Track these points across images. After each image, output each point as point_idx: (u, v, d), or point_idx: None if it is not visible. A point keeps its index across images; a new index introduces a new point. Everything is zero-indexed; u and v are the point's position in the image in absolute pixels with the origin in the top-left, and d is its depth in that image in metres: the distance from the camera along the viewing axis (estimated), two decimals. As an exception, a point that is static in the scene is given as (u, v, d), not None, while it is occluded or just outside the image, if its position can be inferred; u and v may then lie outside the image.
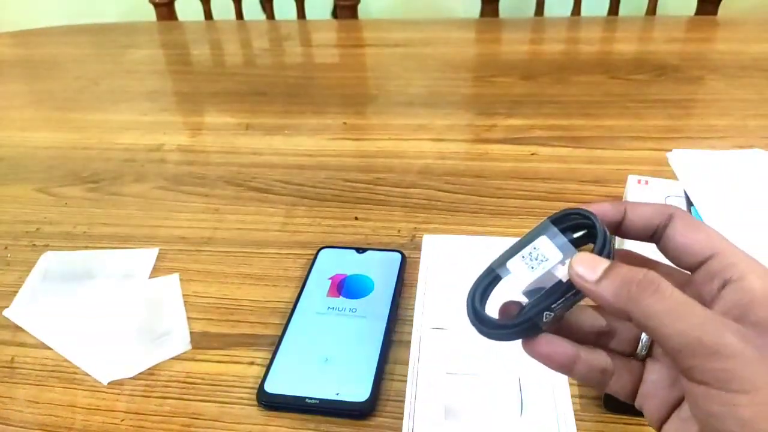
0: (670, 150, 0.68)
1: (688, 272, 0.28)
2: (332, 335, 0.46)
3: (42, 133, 0.82)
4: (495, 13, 1.23)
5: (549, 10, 1.25)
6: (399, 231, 0.58)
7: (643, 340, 0.30)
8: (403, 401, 0.40)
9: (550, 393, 0.40)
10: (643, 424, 0.40)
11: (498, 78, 0.88)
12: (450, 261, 0.50)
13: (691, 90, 0.82)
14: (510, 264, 0.28)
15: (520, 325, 0.28)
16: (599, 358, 0.29)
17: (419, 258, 0.51)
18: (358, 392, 0.42)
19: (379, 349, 0.45)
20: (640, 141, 0.70)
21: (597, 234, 0.27)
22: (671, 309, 0.24)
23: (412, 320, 0.46)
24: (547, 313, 0.28)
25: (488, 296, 0.29)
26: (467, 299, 0.30)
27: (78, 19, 1.23)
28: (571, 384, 0.43)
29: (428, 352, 0.43)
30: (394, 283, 0.51)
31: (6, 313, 0.52)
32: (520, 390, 0.40)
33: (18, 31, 1.19)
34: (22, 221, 0.63)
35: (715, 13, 1.14)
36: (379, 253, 0.54)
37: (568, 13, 1.23)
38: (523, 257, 0.28)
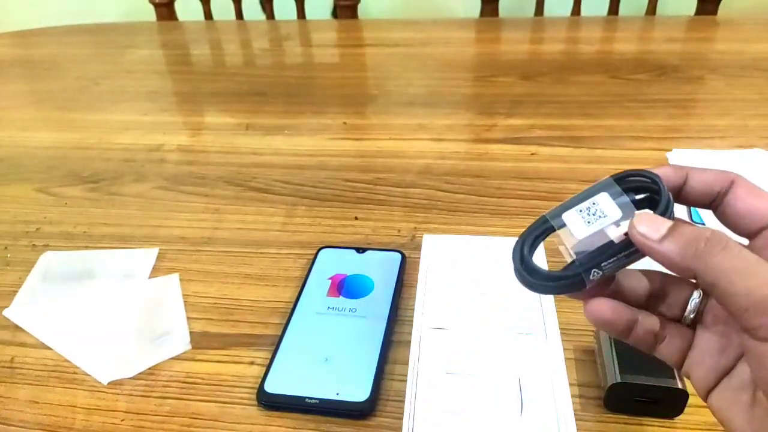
0: (671, 150, 0.68)
1: (746, 239, 0.28)
2: (332, 335, 0.46)
3: (42, 133, 0.82)
4: (495, 12, 1.23)
5: (549, 10, 1.25)
6: (399, 231, 0.58)
7: (692, 305, 0.29)
8: (403, 401, 0.40)
9: (550, 393, 0.40)
10: (644, 424, 0.40)
11: (498, 78, 0.88)
12: (450, 261, 0.50)
13: (692, 90, 0.82)
14: (566, 216, 0.27)
15: (567, 278, 0.28)
16: (652, 321, 0.29)
17: (419, 258, 0.51)
18: (358, 392, 0.42)
19: (379, 349, 0.45)
20: (641, 141, 0.70)
21: (661, 196, 0.26)
22: (740, 267, 0.24)
23: (412, 320, 0.46)
24: (596, 270, 0.27)
25: (537, 247, 0.29)
26: (515, 246, 0.28)
27: (78, 19, 1.23)
28: (571, 384, 0.43)
29: (428, 352, 0.43)
30: (394, 283, 0.51)
31: (6, 313, 0.52)
32: (520, 390, 0.40)
33: (18, 31, 1.19)
34: (22, 221, 0.63)
35: (715, 12, 1.14)
36: (379, 253, 0.54)
37: (568, 13, 1.23)
38: (580, 211, 0.27)
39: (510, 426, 0.38)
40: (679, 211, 0.28)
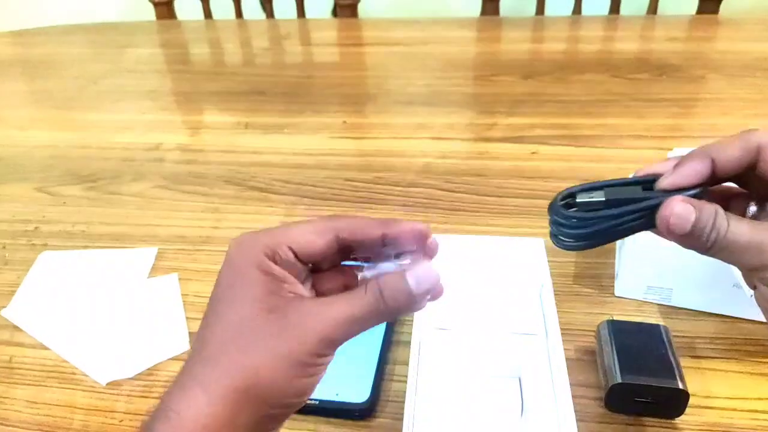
0: (672, 149, 0.68)
1: None
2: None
3: (41, 133, 0.81)
4: (496, 11, 1.22)
5: (550, 9, 1.24)
6: (399, 230, 0.58)
7: (749, 213, 0.30)
8: (403, 401, 0.40)
9: (551, 393, 0.39)
10: (644, 424, 0.40)
11: (499, 77, 0.88)
12: (452, 261, 0.50)
13: (693, 89, 0.82)
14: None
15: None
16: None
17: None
18: (358, 393, 0.42)
19: (379, 350, 0.45)
20: (642, 140, 0.70)
21: None
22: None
23: (412, 320, 0.45)
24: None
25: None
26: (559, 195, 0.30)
27: (77, 18, 1.23)
28: (571, 384, 0.42)
29: (428, 352, 0.43)
30: (394, 283, 0.50)
31: (4, 312, 0.51)
32: (521, 390, 0.40)
33: (18, 30, 1.19)
34: (21, 220, 0.63)
35: (716, 12, 1.13)
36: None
37: (569, 12, 1.23)
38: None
39: (510, 426, 0.38)
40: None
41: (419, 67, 0.93)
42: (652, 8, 1.22)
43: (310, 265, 0.29)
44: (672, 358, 0.40)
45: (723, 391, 0.41)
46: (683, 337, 0.45)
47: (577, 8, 1.23)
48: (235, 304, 0.27)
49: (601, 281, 0.50)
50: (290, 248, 0.28)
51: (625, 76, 0.85)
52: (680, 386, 0.38)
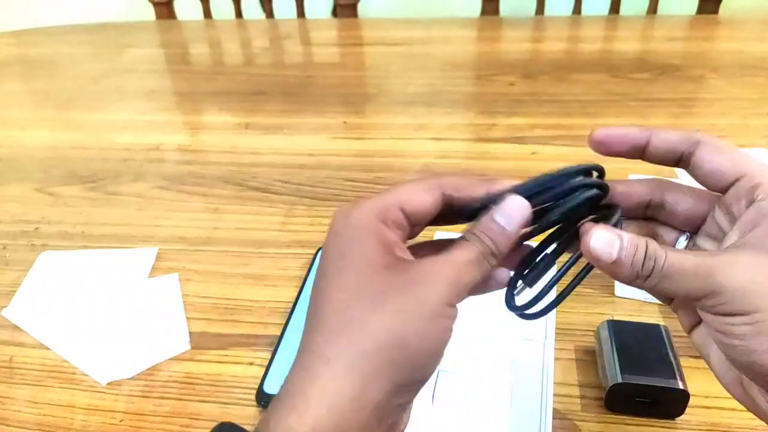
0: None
1: (719, 194, 0.28)
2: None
3: (41, 133, 0.81)
4: (495, 11, 1.22)
5: (550, 9, 1.24)
6: (399, 230, 0.58)
7: (679, 246, 0.30)
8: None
9: (538, 395, 0.39)
10: (644, 424, 0.40)
11: (499, 77, 0.88)
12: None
13: (693, 89, 0.82)
14: None
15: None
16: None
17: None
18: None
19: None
20: (641, 140, 0.70)
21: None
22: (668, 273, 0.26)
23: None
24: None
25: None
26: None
27: (77, 18, 1.23)
28: (571, 384, 0.43)
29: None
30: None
31: (4, 312, 0.51)
32: (511, 390, 0.40)
33: (17, 30, 1.19)
34: (21, 221, 0.63)
35: (716, 12, 1.13)
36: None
37: (569, 12, 1.23)
38: None
39: (497, 423, 0.38)
40: None
41: (419, 67, 0.93)
42: (652, 8, 1.22)
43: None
44: (672, 358, 0.40)
45: (723, 391, 0.41)
46: (683, 337, 0.45)
47: (577, 8, 1.23)
48: (350, 269, 0.25)
49: (602, 281, 0.50)
50: (401, 209, 0.27)
51: (625, 76, 0.85)
52: (680, 386, 0.38)
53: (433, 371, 0.26)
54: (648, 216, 0.31)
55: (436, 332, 0.25)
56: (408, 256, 0.27)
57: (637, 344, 0.41)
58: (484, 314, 0.44)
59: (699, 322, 0.29)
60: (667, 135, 0.29)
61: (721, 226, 0.28)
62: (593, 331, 0.45)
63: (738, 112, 0.75)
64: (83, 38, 1.16)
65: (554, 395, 0.40)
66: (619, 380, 0.39)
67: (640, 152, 0.30)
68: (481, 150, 0.71)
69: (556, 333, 0.45)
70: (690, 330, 0.30)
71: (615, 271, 0.27)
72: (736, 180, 0.27)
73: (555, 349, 0.43)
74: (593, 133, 0.30)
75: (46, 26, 1.19)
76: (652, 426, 0.40)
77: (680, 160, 0.29)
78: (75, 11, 1.56)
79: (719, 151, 0.28)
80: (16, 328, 0.50)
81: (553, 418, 0.38)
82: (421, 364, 0.25)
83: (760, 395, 0.26)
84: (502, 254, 0.27)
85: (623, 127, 0.29)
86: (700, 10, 1.15)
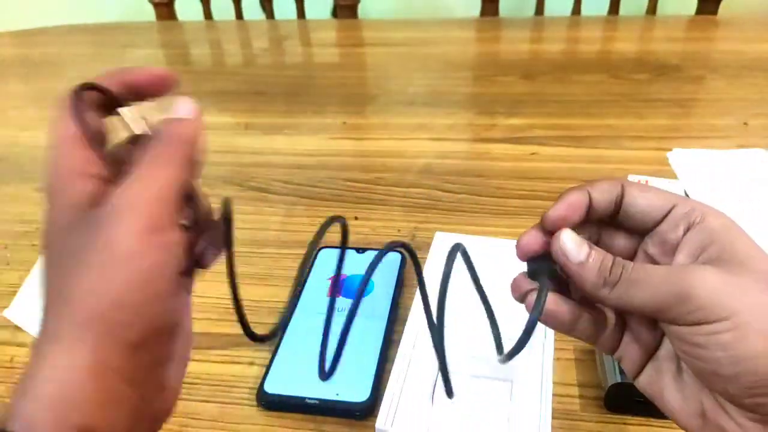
0: (671, 149, 0.68)
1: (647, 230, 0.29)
2: (332, 335, 0.46)
3: (42, 133, 0.81)
4: (495, 12, 1.22)
5: (549, 9, 1.24)
6: (399, 231, 0.58)
7: None
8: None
9: (538, 396, 0.40)
10: (644, 424, 0.40)
11: (498, 77, 0.88)
12: (457, 260, 0.50)
13: (692, 89, 0.82)
14: None
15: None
16: (596, 314, 0.29)
17: (419, 258, 0.51)
18: (358, 392, 0.42)
19: (379, 349, 0.45)
20: (641, 140, 0.70)
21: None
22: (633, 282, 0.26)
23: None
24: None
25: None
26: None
27: (78, 18, 1.23)
28: (571, 385, 0.43)
29: (421, 351, 0.43)
30: (394, 283, 0.50)
31: (5, 313, 0.51)
32: (511, 392, 0.40)
33: (18, 30, 1.19)
34: (22, 221, 0.63)
35: (715, 12, 1.14)
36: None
37: (569, 13, 1.23)
38: None
39: (497, 429, 0.38)
40: None
41: (419, 68, 0.93)
42: (652, 8, 1.22)
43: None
44: (671, 358, 0.40)
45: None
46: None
47: (577, 8, 1.23)
48: (47, 238, 0.24)
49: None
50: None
51: (625, 76, 0.86)
52: (679, 386, 0.38)
53: (176, 310, 0.24)
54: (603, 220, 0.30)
55: (150, 270, 0.22)
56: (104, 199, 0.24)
57: (636, 344, 0.41)
58: (484, 314, 0.44)
59: (647, 361, 0.28)
60: (600, 185, 0.29)
61: (655, 259, 0.28)
62: (593, 331, 0.45)
63: (738, 112, 0.75)
64: (84, 39, 1.16)
65: (553, 395, 0.40)
66: (619, 380, 0.39)
67: (583, 223, 0.29)
68: (480, 150, 0.71)
69: (555, 333, 0.46)
70: (636, 374, 0.29)
71: (582, 275, 0.27)
72: (671, 210, 0.28)
73: (554, 349, 0.43)
74: (546, 221, 0.29)
75: (47, 27, 1.19)
76: (652, 426, 0.40)
77: (614, 207, 0.29)
78: (75, 12, 1.56)
79: (646, 189, 0.29)
80: (17, 328, 0.50)
81: (553, 418, 0.38)
82: (149, 312, 0.22)
83: (731, 421, 0.25)
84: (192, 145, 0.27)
85: (563, 201, 0.29)
86: (700, 10, 1.15)
